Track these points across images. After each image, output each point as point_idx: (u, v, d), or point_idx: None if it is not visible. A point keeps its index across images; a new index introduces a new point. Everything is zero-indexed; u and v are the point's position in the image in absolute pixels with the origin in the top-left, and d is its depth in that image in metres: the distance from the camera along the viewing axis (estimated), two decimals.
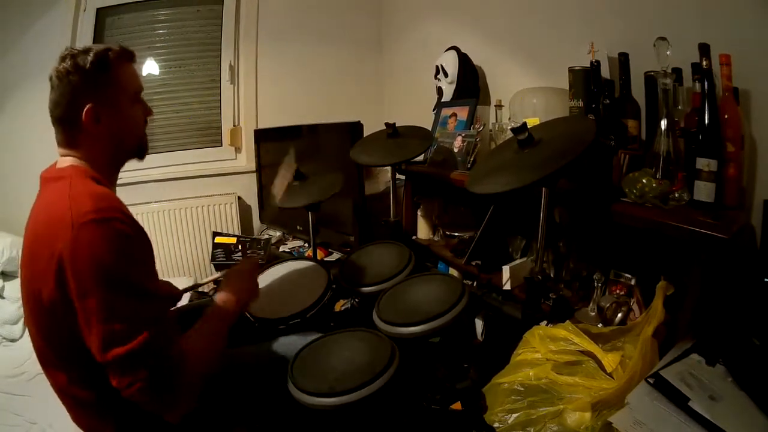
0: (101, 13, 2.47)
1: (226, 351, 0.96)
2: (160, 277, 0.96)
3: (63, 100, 0.89)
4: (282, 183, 1.47)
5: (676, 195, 1.04)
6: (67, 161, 0.92)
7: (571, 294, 1.33)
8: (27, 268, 0.87)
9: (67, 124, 0.90)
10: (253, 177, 2.74)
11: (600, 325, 1.15)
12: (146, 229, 0.87)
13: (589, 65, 1.27)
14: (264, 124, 2.74)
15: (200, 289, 1.88)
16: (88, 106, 0.88)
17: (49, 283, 0.79)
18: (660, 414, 0.80)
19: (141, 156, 1.02)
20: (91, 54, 0.88)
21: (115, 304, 0.77)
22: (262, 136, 2.68)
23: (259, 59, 2.73)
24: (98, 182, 0.89)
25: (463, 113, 1.81)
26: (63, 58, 0.88)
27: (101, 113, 0.90)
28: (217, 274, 1.33)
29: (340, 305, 1.60)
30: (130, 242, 0.82)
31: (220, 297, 1.02)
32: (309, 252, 1.87)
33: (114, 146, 0.95)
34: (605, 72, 1.29)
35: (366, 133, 1.91)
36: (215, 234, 2.41)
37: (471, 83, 1.91)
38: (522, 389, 0.97)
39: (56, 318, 0.81)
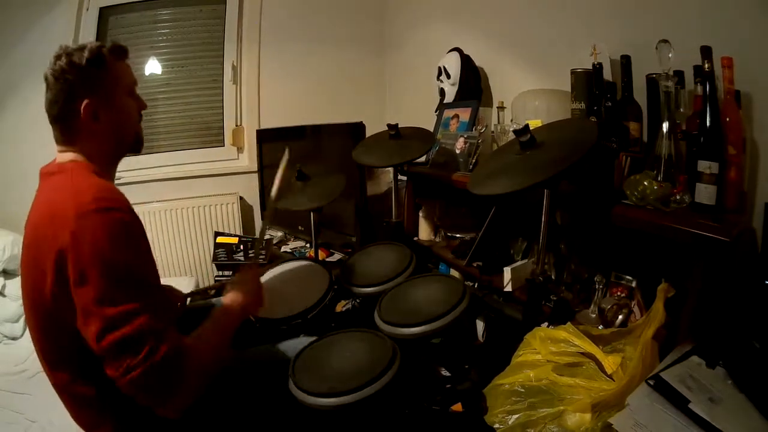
0: (104, 12, 2.47)
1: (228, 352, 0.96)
2: (162, 277, 0.96)
3: (60, 98, 0.89)
4: (281, 179, 1.36)
5: (677, 198, 1.04)
6: (67, 156, 0.92)
7: (572, 296, 1.33)
8: (28, 263, 0.87)
9: (65, 122, 0.91)
10: (255, 177, 2.74)
11: (601, 327, 1.15)
12: (148, 229, 0.88)
13: (591, 67, 1.27)
14: (266, 125, 2.74)
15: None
16: (85, 103, 0.89)
17: (50, 276, 0.79)
18: (660, 415, 0.80)
19: (137, 150, 1.04)
20: (86, 51, 0.89)
21: (113, 291, 0.77)
22: (264, 137, 2.68)
23: (261, 59, 2.73)
24: (99, 175, 0.90)
25: (465, 115, 1.81)
26: (58, 57, 0.89)
27: (99, 109, 0.91)
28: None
29: (341, 306, 1.60)
30: (131, 232, 0.83)
31: (227, 297, 1.03)
32: (311, 252, 1.87)
33: (112, 141, 0.96)
34: (607, 74, 1.29)
35: (368, 134, 1.92)
36: (217, 234, 2.41)
37: (473, 85, 1.91)
38: (522, 390, 0.97)
39: (57, 313, 0.82)
